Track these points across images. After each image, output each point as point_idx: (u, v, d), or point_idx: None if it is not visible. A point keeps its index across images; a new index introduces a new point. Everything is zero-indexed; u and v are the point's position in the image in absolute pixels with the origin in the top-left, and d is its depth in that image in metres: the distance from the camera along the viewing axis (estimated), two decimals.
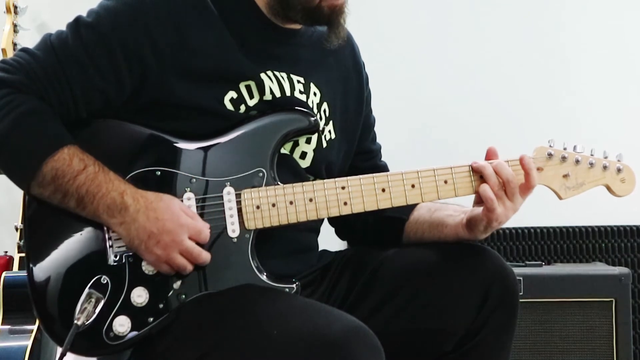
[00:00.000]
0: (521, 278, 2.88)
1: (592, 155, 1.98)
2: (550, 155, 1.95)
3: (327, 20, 1.91)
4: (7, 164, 1.80)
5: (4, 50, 3.19)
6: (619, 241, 3.46)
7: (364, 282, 1.96)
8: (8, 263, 3.07)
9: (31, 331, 2.83)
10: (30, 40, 3.26)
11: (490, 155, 1.92)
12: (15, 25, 3.28)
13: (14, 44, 3.26)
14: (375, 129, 2.20)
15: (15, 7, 3.29)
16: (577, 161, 1.96)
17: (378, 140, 2.21)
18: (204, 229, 1.79)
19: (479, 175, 1.90)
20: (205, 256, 1.79)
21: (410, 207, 2.04)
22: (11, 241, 3.04)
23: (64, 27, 1.85)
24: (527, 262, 3.17)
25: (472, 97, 3.57)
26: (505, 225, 3.43)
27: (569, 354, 2.95)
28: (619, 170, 1.98)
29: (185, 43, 1.83)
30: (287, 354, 1.64)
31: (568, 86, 3.60)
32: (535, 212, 3.47)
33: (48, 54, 1.81)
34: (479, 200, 1.90)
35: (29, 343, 2.81)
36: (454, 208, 2.00)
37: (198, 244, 1.79)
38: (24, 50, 1.84)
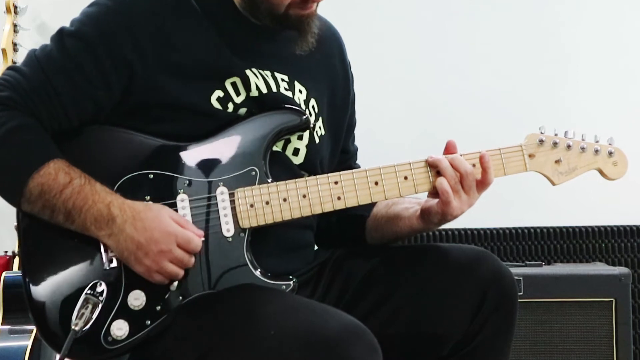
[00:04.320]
0: (521, 278, 2.89)
1: (583, 140, 1.98)
2: (541, 141, 1.95)
3: (296, 27, 1.91)
4: None
5: (3, 50, 3.20)
6: (619, 241, 3.46)
7: (361, 283, 1.95)
8: (8, 263, 3.08)
9: (31, 331, 2.83)
10: (30, 40, 3.27)
11: (449, 148, 1.92)
12: (15, 25, 3.29)
13: (14, 44, 3.27)
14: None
15: (15, 7, 3.30)
16: (569, 146, 1.96)
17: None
18: (194, 238, 1.78)
19: (435, 170, 1.89)
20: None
21: (372, 204, 2.03)
22: (11, 241, 3.05)
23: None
24: (527, 262, 3.17)
25: (470, 95, 3.57)
26: (505, 225, 3.49)
27: (569, 354, 2.94)
28: (610, 153, 1.98)
29: (169, 41, 1.84)
30: (285, 353, 1.64)
31: (566, 84, 3.60)
32: (535, 212, 3.51)
33: (34, 68, 1.82)
34: (434, 193, 1.90)
35: (29, 343, 2.81)
36: (409, 200, 2.00)
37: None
38: (10, 68, 1.84)
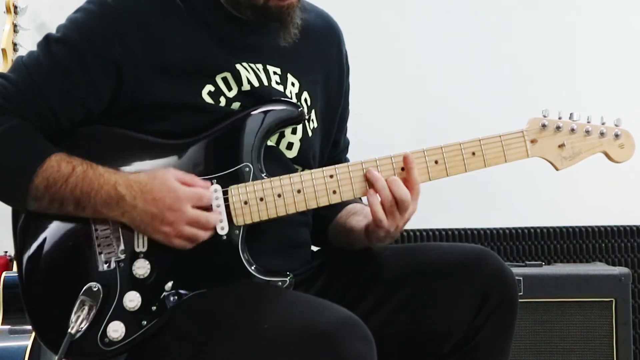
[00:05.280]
0: (521, 278, 2.89)
1: (588, 122, 1.91)
2: (544, 125, 1.89)
3: (277, 18, 1.91)
4: None
5: (3, 50, 3.20)
6: (619, 241, 3.45)
7: (361, 283, 1.95)
8: (8, 263, 3.08)
9: (31, 331, 2.82)
10: (30, 40, 3.26)
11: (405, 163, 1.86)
12: (15, 25, 3.28)
13: (14, 44, 3.26)
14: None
15: (15, 7, 3.29)
16: (573, 130, 1.90)
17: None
18: (204, 193, 1.79)
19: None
20: (214, 219, 1.80)
21: (342, 206, 2.01)
22: (11, 241, 3.04)
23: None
24: (527, 262, 3.17)
25: (471, 85, 3.56)
26: (505, 225, 3.49)
27: (569, 354, 2.94)
28: (617, 135, 1.92)
29: (156, 40, 1.84)
30: (279, 346, 1.64)
31: (570, 74, 3.58)
32: (535, 212, 3.50)
33: (22, 74, 1.82)
34: None
35: (29, 343, 2.81)
36: (365, 213, 1.94)
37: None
38: None
